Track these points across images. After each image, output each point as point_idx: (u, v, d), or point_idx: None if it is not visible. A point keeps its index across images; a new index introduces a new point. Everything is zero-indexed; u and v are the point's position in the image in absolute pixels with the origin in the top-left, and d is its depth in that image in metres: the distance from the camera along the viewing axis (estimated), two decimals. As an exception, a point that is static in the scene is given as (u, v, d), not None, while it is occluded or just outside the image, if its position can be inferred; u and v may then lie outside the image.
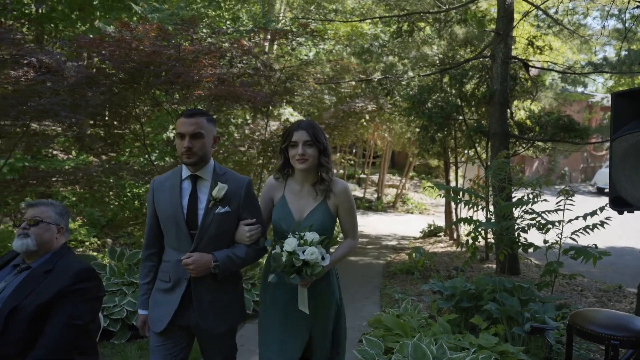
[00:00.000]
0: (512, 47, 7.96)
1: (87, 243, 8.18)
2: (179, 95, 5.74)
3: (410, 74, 7.89)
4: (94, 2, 12.73)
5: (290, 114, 9.14)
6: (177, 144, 2.27)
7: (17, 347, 2.06)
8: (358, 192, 16.88)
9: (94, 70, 5.95)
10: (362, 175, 18.05)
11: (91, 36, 6.00)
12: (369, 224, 12.71)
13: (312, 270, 2.15)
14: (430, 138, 8.40)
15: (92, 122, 13.32)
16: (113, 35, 5.59)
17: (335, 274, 2.54)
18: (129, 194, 9.45)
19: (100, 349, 4.03)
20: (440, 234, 10.73)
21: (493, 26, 7.79)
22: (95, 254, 6.91)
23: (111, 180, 7.78)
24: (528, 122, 7.89)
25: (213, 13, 9.00)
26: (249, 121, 8.06)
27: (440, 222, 11.42)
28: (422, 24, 9.48)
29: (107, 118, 10.08)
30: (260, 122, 8.11)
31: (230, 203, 2.27)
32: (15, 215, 9.68)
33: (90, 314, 2.26)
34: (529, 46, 8.82)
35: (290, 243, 2.16)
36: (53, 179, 6.90)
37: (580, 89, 19.39)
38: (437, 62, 8.88)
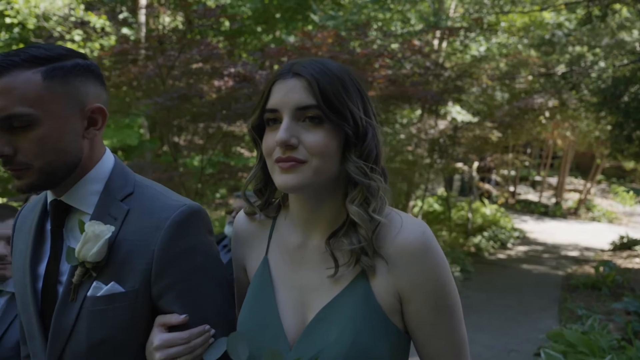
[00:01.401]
0: None
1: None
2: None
3: (602, 64, 6.97)
4: (277, 16, 14.15)
5: (457, 112, 8.85)
6: None
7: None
8: (532, 196, 15.53)
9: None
10: (538, 178, 16.53)
11: (273, 46, 6.65)
12: (545, 230, 11.62)
13: None
14: (626, 137, 7.31)
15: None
16: (295, 44, 6.13)
17: None
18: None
19: None
20: (637, 247, 9.26)
21: None
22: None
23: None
24: None
25: (383, 16, 9.21)
26: (414, 121, 8.05)
27: (636, 233, 9.87)
28: (617, 6, 8.31)
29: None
30: (428, 121, 8.03)
31: (127, 271, 0.92)
32: (211, 204, 11.32)
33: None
34: None
35: None
36: (239, 174, 7.89)
37: None
38: (638, 49, 7.67)
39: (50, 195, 0.97)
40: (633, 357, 3.06)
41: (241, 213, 1.06)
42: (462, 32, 7.89)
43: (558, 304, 5.66)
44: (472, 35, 8.96)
